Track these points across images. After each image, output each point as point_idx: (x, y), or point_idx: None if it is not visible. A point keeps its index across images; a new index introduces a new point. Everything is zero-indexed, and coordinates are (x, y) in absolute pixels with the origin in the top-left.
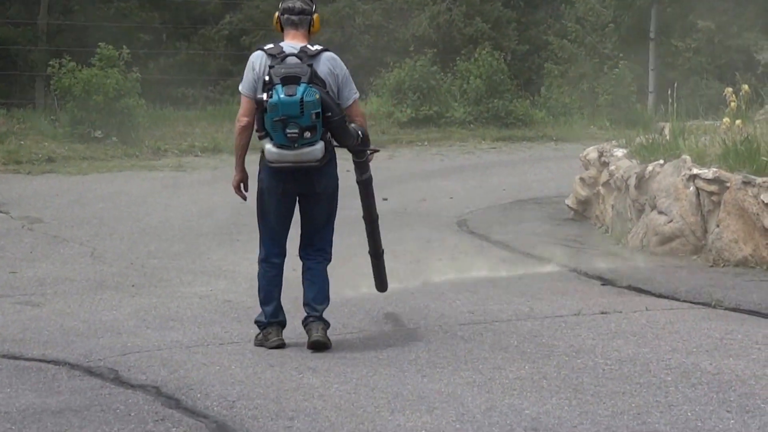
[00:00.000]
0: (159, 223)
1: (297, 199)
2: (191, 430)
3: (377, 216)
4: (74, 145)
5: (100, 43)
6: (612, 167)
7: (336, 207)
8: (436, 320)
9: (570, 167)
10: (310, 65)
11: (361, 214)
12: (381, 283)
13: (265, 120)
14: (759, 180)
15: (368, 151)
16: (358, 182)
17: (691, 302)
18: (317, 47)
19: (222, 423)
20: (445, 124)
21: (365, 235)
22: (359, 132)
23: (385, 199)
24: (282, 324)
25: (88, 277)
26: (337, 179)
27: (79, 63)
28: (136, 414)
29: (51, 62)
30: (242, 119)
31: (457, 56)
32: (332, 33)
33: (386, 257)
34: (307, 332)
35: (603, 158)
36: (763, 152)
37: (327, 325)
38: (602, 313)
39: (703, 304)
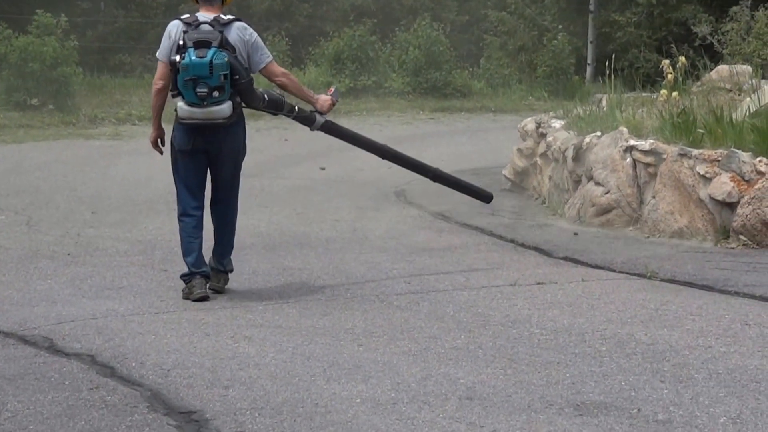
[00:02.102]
0: (95, 192)
1: (207, 158)
2: (126, 398)
3: (380, 145)
4: (10, 113)
5: (37, 11)
6: (549, 138)
7: (240, 167)
8: (372, 290)
9: (508, 138)
10: (221, 32)
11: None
12: (478, 195)
13: (178, 80)
14: (695, 152)
15: (288, 113)
16: (321, 129)
17: (626, 273)
18: (229, 17)
19: (157, 391)
20: (384, 95)
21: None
22: (265, 96)
23: (323, 169)
24: (205, 275)
25: (24, 245)
26: (243, 141)
27: (16, 30)
28: (70, 382)
29: None
30: (158, 82)
31: (397, 27)
32: (272, 1)
33: (324, 226)
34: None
35: (541, 129)
36: (699, 124)
37: (228, 275)
38: (538, 283)
39: (639, 275)
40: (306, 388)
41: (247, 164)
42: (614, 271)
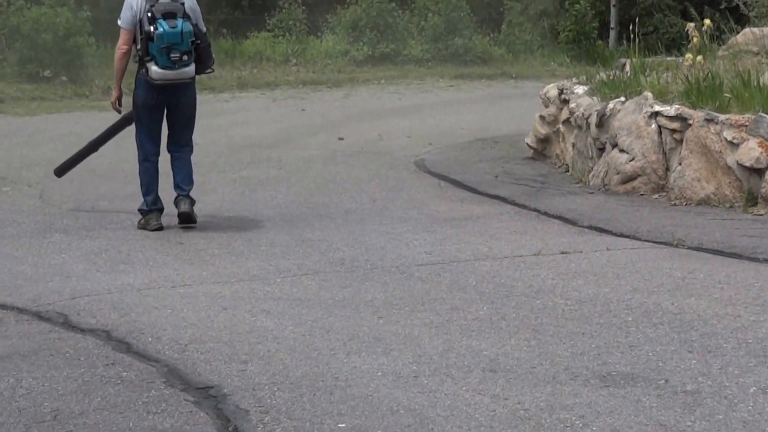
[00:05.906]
0: (109, 164)
1: (165, 110)
2: (142, 374)
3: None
4: (23, 86)
5: None
6: (572, 105)
7: (195, 113)
8: (393, 261)
9: (529, 105)
10: (182, 3)
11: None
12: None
13: (152, 47)
14: (722, 117)
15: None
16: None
17: (652, 241)
18: None
19: (174, 367)
20: (403, 62)
21: None
22: (213, 56)
23: (341, 139)
24: (160, 210)
25: (37, 219)
26: (196, 93)
27: (28, 1)
28: (85, 358)
29: None
30: (123, 47)
31: None
32: None
33: (343, 197)
34: (176, 207)
35: (563, 96)
36: (725, 89)
37: (193, 201)
38: (562, 252)
39: (665, 243)
40: (326, 362)
41: (264, 135)
42: (640, 239)
